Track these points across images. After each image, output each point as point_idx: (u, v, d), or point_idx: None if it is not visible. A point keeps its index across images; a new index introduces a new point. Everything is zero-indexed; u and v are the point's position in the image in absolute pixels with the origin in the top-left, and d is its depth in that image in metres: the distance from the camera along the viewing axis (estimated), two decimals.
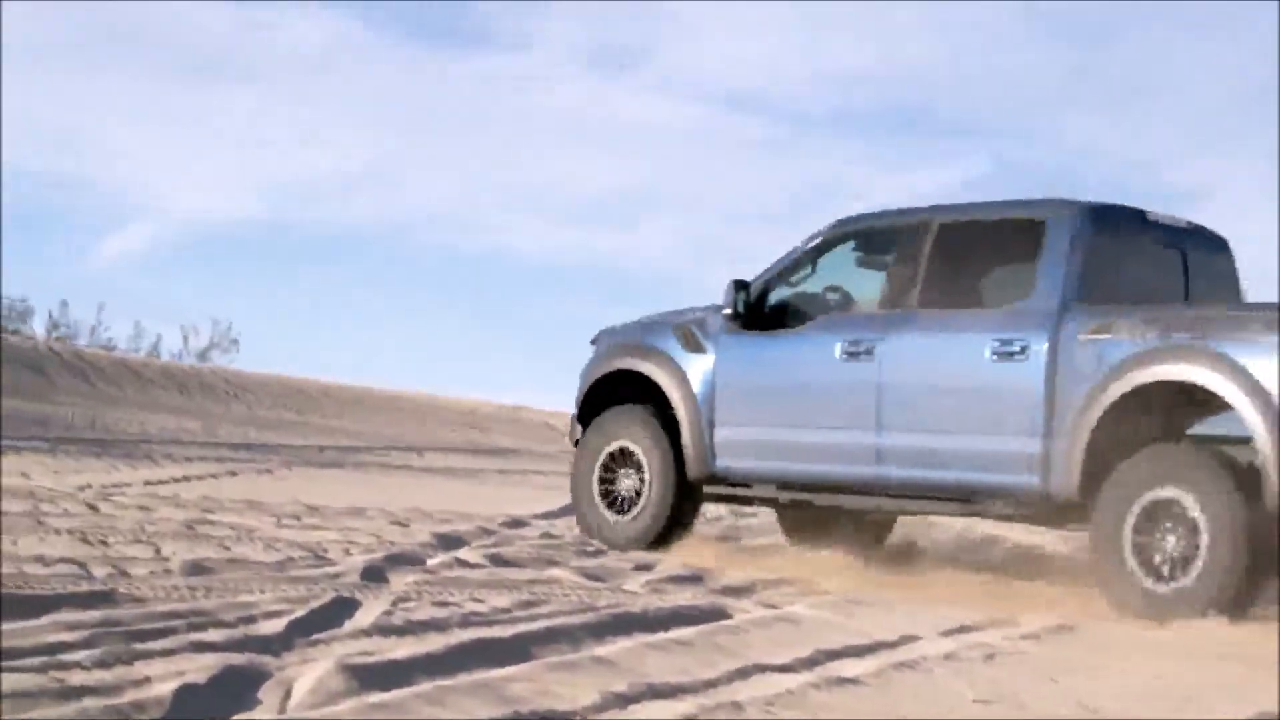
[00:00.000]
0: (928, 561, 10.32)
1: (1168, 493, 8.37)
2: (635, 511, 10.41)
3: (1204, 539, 8.18)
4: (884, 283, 9.88)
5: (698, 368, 10.27)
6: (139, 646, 5.36)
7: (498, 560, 9.10)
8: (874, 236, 10.20)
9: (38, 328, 25.50)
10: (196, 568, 7.39)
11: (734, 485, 10.37)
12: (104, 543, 7.92)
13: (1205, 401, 8.48)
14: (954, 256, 9.66)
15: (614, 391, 10.69)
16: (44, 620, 5.67)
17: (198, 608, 6.31)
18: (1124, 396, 8.60)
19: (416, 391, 29.14)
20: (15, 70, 37.06)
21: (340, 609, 6.65)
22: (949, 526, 11.79)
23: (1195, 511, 8.23)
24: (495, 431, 25.84)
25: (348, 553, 8.56)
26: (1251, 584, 8.15)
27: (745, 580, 9.31)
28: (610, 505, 10.53)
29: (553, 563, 9.31)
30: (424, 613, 6.84)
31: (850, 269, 10.29)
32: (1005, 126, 40.63)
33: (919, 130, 40.10)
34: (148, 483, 11.16)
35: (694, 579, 9.30)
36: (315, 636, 5.99)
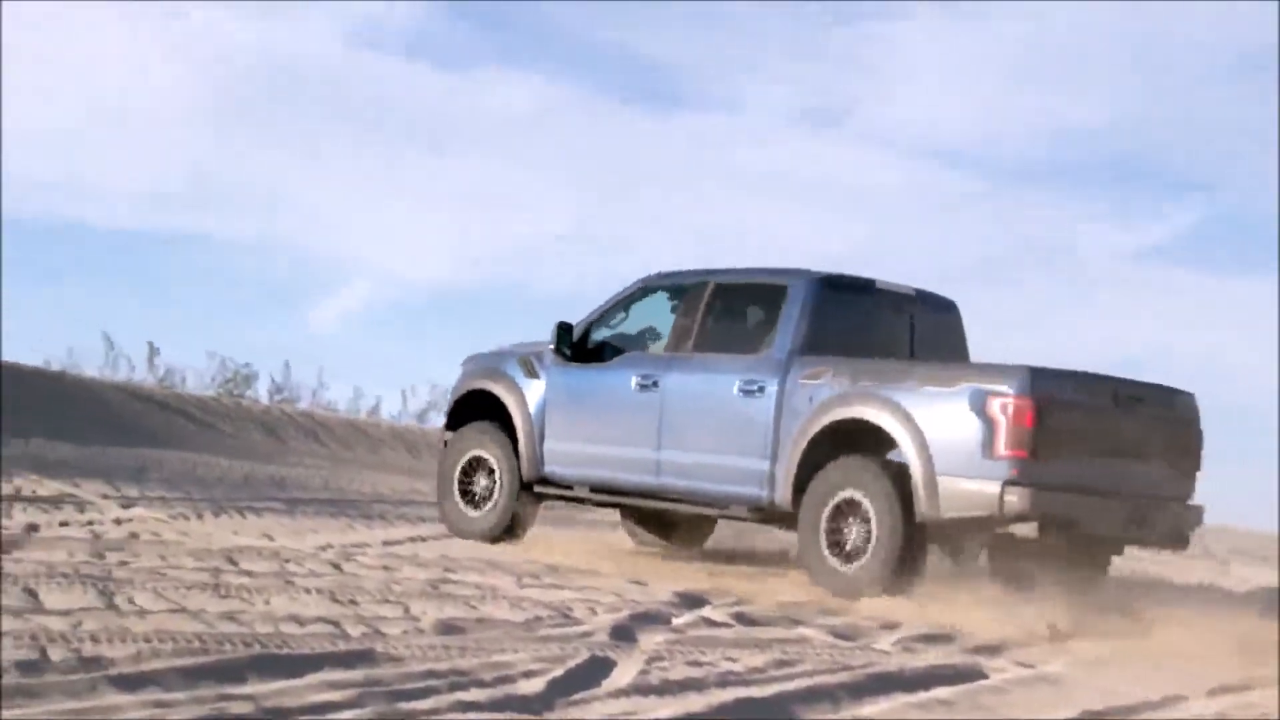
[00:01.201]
0: (1157, 618, 10.11)
1: (850, 494, 10.42)
2: (488, 508, 12.35)
3: (874, 530, 10.26)
4: (671, 329, 11.86)
5: (533, 391, 12.25)
6: (405, 706, 5.32)
7: (743, 619, 8.96)
8: (670, 291, 12.10)
9: (261, 391, 26.00)
10: (448, 627, 7.36)
11: (559, 487, 12.23)
12: (354, 602, 7.93)
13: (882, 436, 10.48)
14: (723, 311, 11.75)
15: (478, 405, 12.57)
16: (307, 680, 5.66)
17: (455, 667, 6.27)
18: (822, 430, 10.69)
19: None
20: (231, 140, 38.03)
21: (595, 668, 6.56)
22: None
23: (869, 508, 10.30)
24: None
25: (593, 612, 8.47)
26: (908, 566, 10.25)
27: (996, 638, 9.08)
28: (468, 502, 12.44)
29: (798, 621, 9.14)
30: (679, 672, 6.72)
31: (655, 315, 12.15)
32: (1222, 178, 39.59)
33: (1133, 183, 39.22)
34: (386, 542, 11.21)
35: (944, 637, 9.10)
36: (575, 696, 5.91)
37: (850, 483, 10.46)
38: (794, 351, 11.03)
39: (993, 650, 8.83)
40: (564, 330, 12.08)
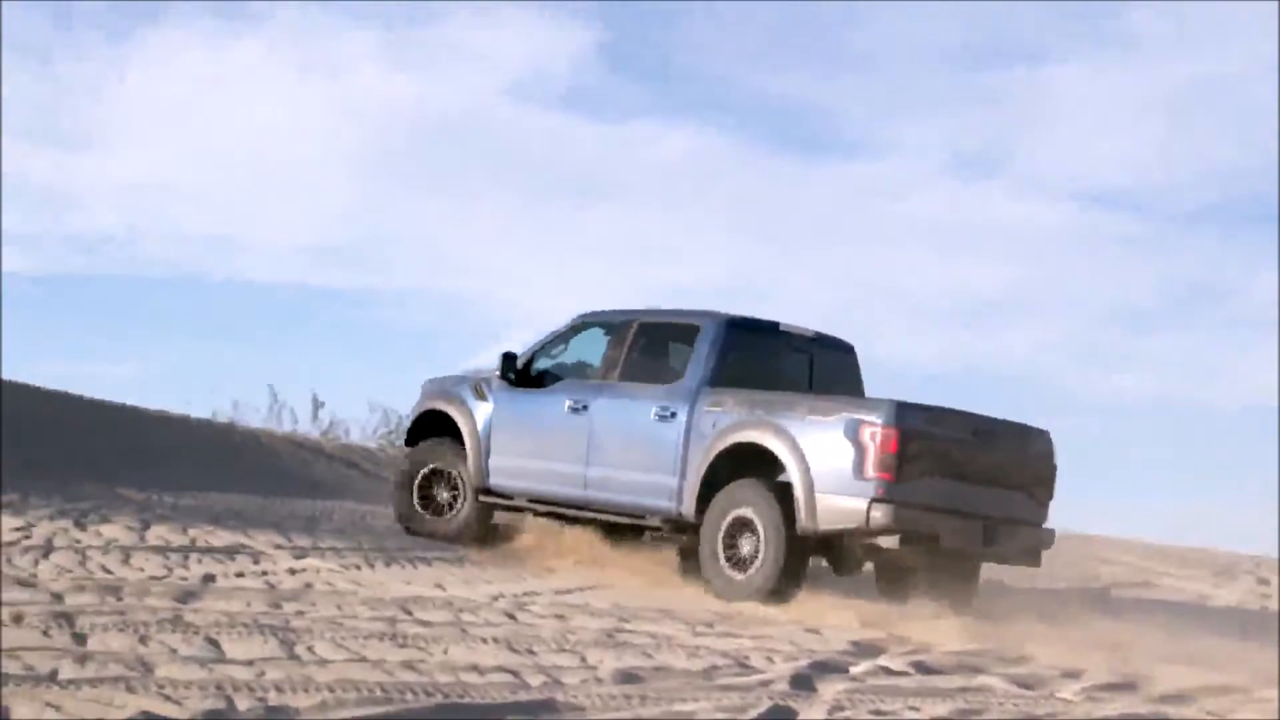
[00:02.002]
0: None
1: (743, 512, 11.71)
2: (450, 515, 13.77)
3: (762, 544, 11.55)
4: (601, 360, 13.19)
5: (482, 412, 13.60)
6: None
7: (922, 667, 8.79)
8: (602, 326, 13.46)
9: None
10: (626, 676, 7.30)
11: (502, 498, 13.49)
12: (531, 651, 7.90)
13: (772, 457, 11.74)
14: (645, 346, 13.08)
15: (435, 423, 13.94)
16: None
17: (638, 716, 6.21)
18: (722, 453, 11.99)
19: None
20: (391, 194, 38.55)
21: (778, 718, 6.45)
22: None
23: (759, 525, 11.58)
24: None
25: (771, 660, 8.37)
26: (791, 575, 11.52)
27: (1178, 688, 8.85)
28: (429, 509, 13.83)
29: (978, 669, 8.96)
30: None
31: (588, 348, 13.47)
32: None
33: None
34: (558, 591, 11.19)
35: (1128, 686, 8.88)
36: None
37: (743, 503, 11.75)
38: (702, 382, 12.36)
39: (1179, 699, 8.60)
40: (509, 359, 13.45)
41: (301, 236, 37.60)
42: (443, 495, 13.83)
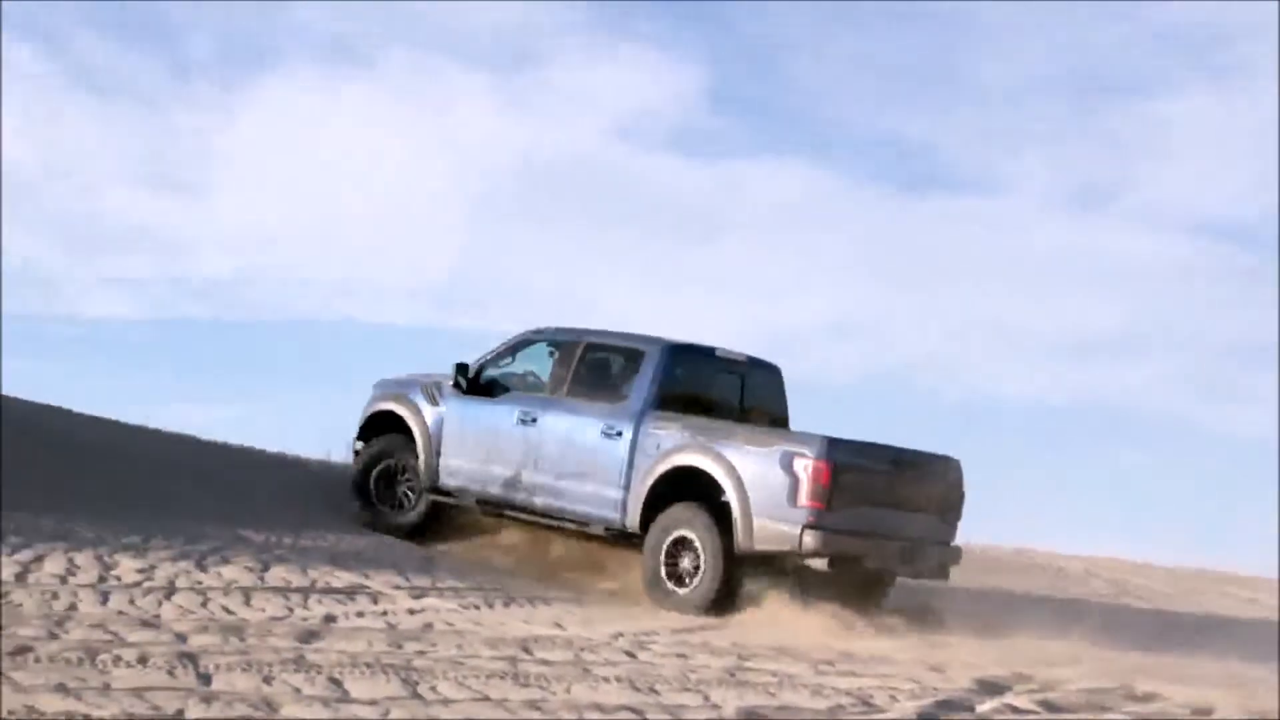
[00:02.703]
0: None
1: (684, 533, 12.75)
2: (408, 509, 14.85)
3: (703, 562, 12.58)
4: (550, 375, 14.20)
5: (434, 415, 14.69)
6: None
7: (1049, 706, 8.64)
8: (548, 343, 14.45)
9: None
10: (751, 715, 7.23)
11: (449, 495, 14.53)
12: (654, 690, 7.85)
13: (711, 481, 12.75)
14: (592, 366, 14.02)
15: (385, 421, 15.00)
16: None
17: None
18: (665, 473, 13.04)
19: None
20: (499, 235, 38.71)
21: None
22: None
23: (699, 545, 12.63)
24: (1004, 573, 25.14)
25: (894, 699, 8.26)
26: (728, 591, 12.48)
27: None
28: (386, 504, 14.88)
29: (1105, 708, 8.79)
30: None
31: (536, 361, 14.50)
32: None
33: None
34: (676, 630, 11.13)
35: None
36: None
37: (684, 523, 12.80)
38: (647, 405, 13.43)
39: None
40: (462, 368, 14.50)
41: (411, 279, 37.89)
42: (399, 491, 14.89)
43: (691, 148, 41.61)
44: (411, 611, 10.54)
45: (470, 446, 14.43)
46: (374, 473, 14.91)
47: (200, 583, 10.49)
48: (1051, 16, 36.60)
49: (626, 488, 13.30)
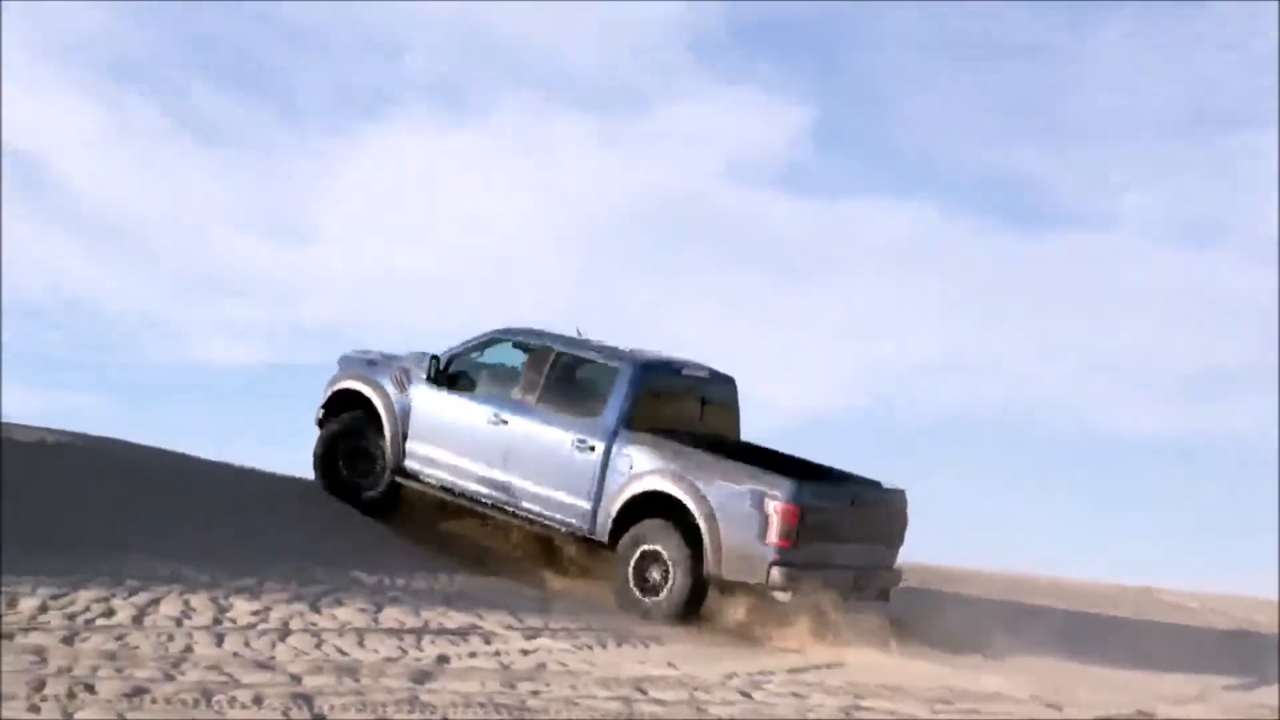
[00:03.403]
0: None
1: (654, 547, 13.61)
2: (372, 481, 15.46)
3: (672, 577, 13.46)
4: (520, 379, 14.78)
5: (401, 400, 15.29)
6: None
7: None
8: (517, 344, 15.13)
9: None
10: None
11: (414, 479, 15.20)
12: None
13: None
14: (563, 375, 14.68)
15: (349, 399, 15.61)
16: None
17: None
18: (639, 493, 13.80)
19: (1033, 574, 28.20)
20: (606, 276, 38.80)
21: None
22: None
23: (669, 560, 13.50)
24: (1120, 607, 24.76)
25: None
26: (695, 603, 13.47)
27: None
28: (355, 476, 15.53)
29: None
30: None
31: (503, 358, 15.22)
32: None
33: None
34: (792, 670, 11.01)
35: None
36: None
37: (654, 539, 13.66)
38: (620, 423, 14.13)
39: None
40: (435, 360, 15.09)
41: (521, 322, 37.98)
42: (363, 466, 15.55)
43: (800, 186, 41.49)
44: (524, 652, 10.51)
45: (439, 436, 15.05)
46: (342, 456, 15.59)
47: (314, 624, 10.51)
48: (1160, 49, 36.20)
49: (596, 500, 14.07)
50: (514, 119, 39.91)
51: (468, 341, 15.35)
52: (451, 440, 14.97)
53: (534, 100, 40.24)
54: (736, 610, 13.46)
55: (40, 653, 8.43)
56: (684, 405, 14.98)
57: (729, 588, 13.42)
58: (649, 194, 39.16)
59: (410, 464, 15.24)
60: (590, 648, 11.07)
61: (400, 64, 40.77)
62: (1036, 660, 12.89)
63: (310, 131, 40.21)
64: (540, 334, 15.08)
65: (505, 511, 14.72)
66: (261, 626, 10.16)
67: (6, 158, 37.33)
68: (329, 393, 15.89)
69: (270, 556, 12.71)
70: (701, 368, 15.17)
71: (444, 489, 15.09)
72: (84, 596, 10.14)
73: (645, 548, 13.69)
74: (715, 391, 15.34)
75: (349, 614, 11.03)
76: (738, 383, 15.54)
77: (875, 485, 14.40)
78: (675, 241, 39.22)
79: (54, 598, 9.98)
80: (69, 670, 8.12)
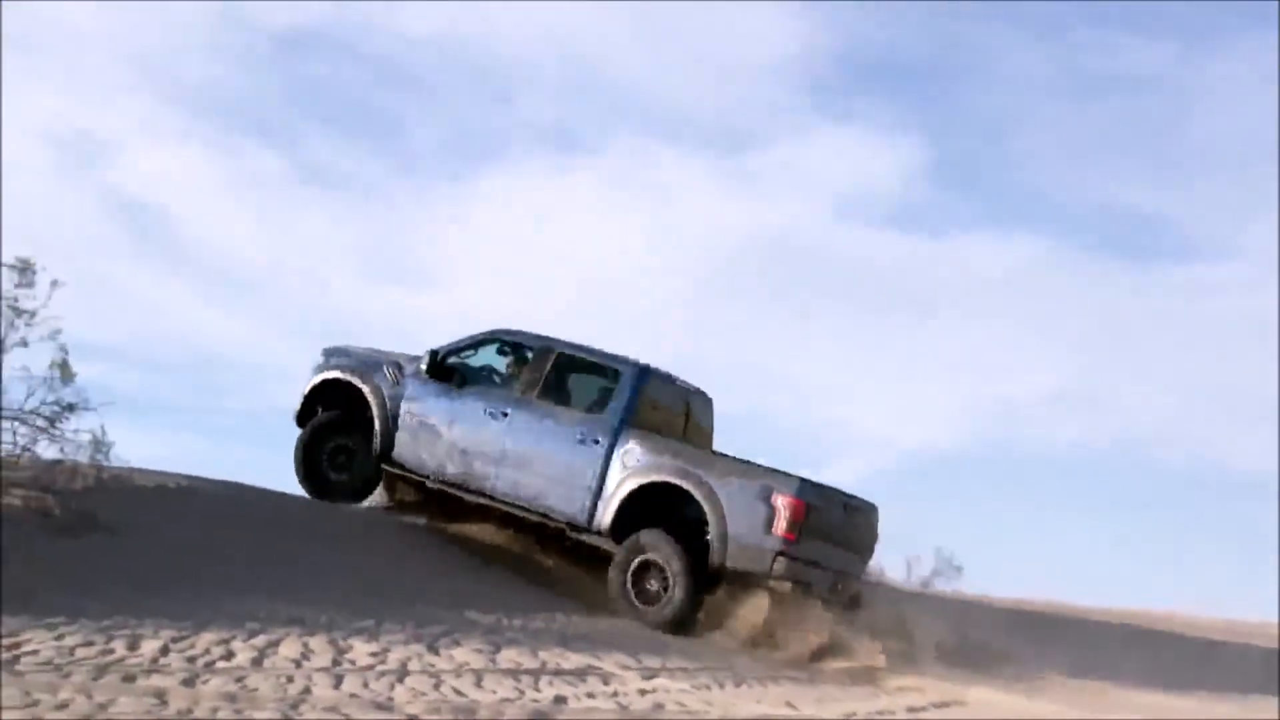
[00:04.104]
0: None
1: (653, 556, 14.33)
2: (354, 472, 16.17)
3: (672, 585, 14.17)
4: (521, 376, 15.50)
5: (394, 393, 15.90)
6: None
7: None
8: (513, 345, 15.83)
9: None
10: None
11: (404, 469, 15.87)
12: None
13: (688, 497, 14.37)
14: (564, 375, 15.45)
15: (330, 392, 16.26)
16: None
17: None
18: (644, 485, 14.60)
19: (1145, 609, 27.75)
20: (719, 315, 38.76)
21: None
22: None
23: (668, 570, 14.21)
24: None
25: None
26: (692, 612, 14.20)
27: None
28: (336, 471, 16.18)
29: None
30: None
31: (497, 358, 15.88)
32: None
33: None
34: (911, 709, 10.87)
35: None
36: None
37: (652, 548, 14.35)
38: (623, 420, 14.91)
39: None
40: (433, 353, 15.69)
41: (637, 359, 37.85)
42: (341, 461, 16.16)
43: (911, 223, 41.38)
44: (642, 692, 10.44)
45: (434, 428, 15.65)
46: (326, 450, 16.18)
47: (432, 665, 10.51)
48: (1275, 78, 35.65)
49: (597, 494, 14.79)
50: (626, 160, 40.16)
51: (462, 339, 15.98)
52: (448, 432, 15.58)
53: (646, 141, 40.43)
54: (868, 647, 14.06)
55: (161, 695, 8.48)
56: (672, 414, 15.76)
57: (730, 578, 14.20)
58: (761, 233, 39.18)
59: (400, 453, 15.85)
60: (708, 688, 10.98)
61: (514, 109, 41.20)
62: (1161, 699, 12.64)
63: (427, 177, 40.73)
64: (539, 336, 15.75)
65: (498, 501, 15.34)
66: (380, 668, 10.17)
67: (127, 208, 38.03)
68: (313, 382, 16.40)
69: (387, 597, 12.74)
70: (689, 383, 16.04)
71: (438, 479, 15.65)
72: (205, 639, 10.20)
73: (644, 557, 14.38)
74: (698, 406, 16.22)
75: (466, 654, 11.02)
76: (713, 401, 16.53)
77: (858, 498, 15.23)
78: (787, 279, 39.19)
79: (175, 640, 10.05)
80: (189, 713, 8.16)
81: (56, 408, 13.23)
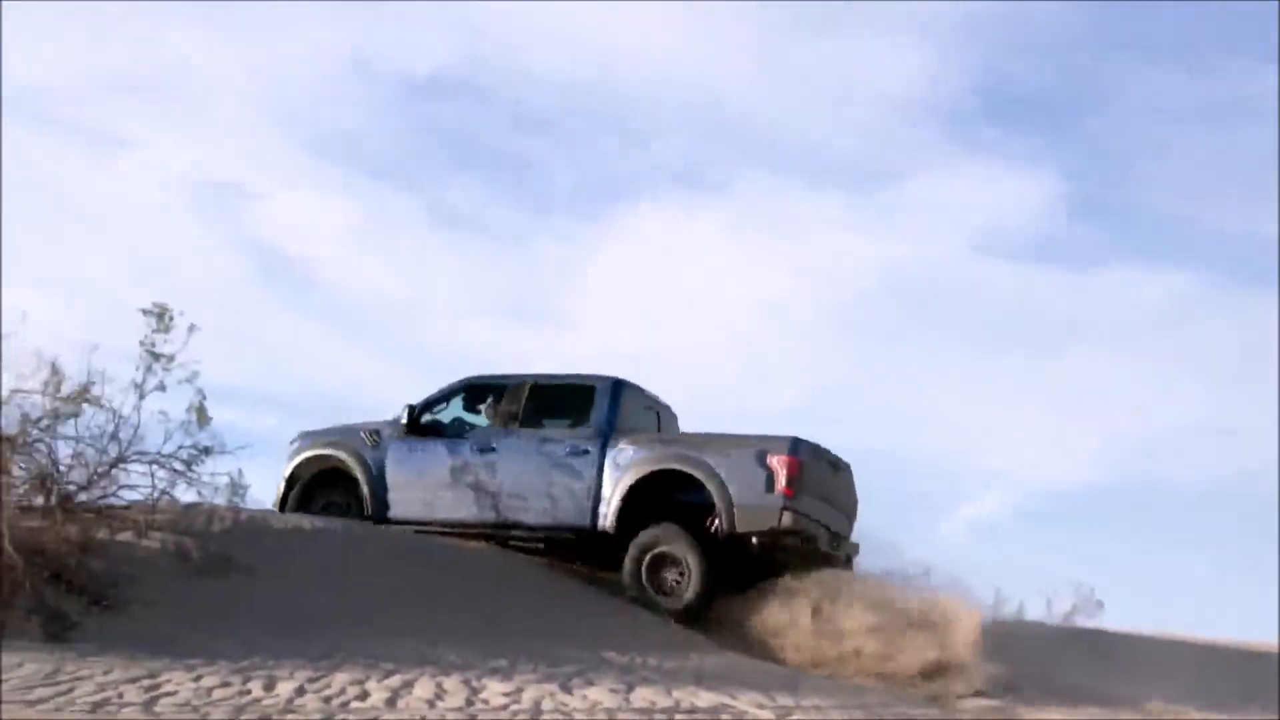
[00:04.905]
0: None
1: (667, 549, 15.00)
2: None
3: (688, 574, 14.88)
4: (497, 414, 16.25)
5: (376, 456, 16.42)
6: None
7: None
8: (485, 388, 16.52)
9: None
10: None
11: (404, 523, 16.01)
12: None
13: (686, 482, 15.11)
14: (541, 401, 16.20)
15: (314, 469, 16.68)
16: None
17: None
18: (643, 476, 15.34)
19: None
20: (856, 353, 38.53)
21: None
22: None
23: (685, 561, 14.89)
24: None
25: None
26: (707, 599, 14.89)
27: None
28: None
29: None
30: None
31: (471, 405, 16.56)
32: None
33: None
34: None
35: None
36: None
37: (665, 542, 15.02)
38: (609, 424, 15.78)
39: None
40: (411, 408, 16.30)
41: (769, 399, 37.82)
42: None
43: (1050, 257, 40.92)
44: None
45: (425, 478, 16.17)
46: (321, 505, 16.33)
47: (565, 705, 10.48)
48: None
49: (597, 496, 15.47)
50: (757, 198, 40.12)
51: (433, 394, 16.57)
52: (439, 478, 16.12)
53: (777, 179, 40.38)
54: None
55: None
56: (646, 418, 16.48)
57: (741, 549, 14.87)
58: (895, 268, 38.95)
59: (396, 511, 16.22)
60: None
61: (645, 149, 41.36)
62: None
63: (560, 218, 40.97)
64: (505, 375, 16.51)
65: (501, 529, 15.82)
66: (514, 708, 10.16)
67: (270, 255, 38.67)
68: (291, 466, 16.76)
69: (520, 635, 12.75)
70: (657, 395, 16.83)
71: (436, 525, 15.91)
72: (339, 679, 10.26)
73: (658, 550, 15.01)
74: (666, 416, 17.01)
75: (600, 694, 10.97)
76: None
77: (840, 457, 15.92)
78: (921, 314, 38.88)
79: (310, 681, 10.11)
80: None
81: (194, 451, 13.44)
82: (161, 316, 13.47)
